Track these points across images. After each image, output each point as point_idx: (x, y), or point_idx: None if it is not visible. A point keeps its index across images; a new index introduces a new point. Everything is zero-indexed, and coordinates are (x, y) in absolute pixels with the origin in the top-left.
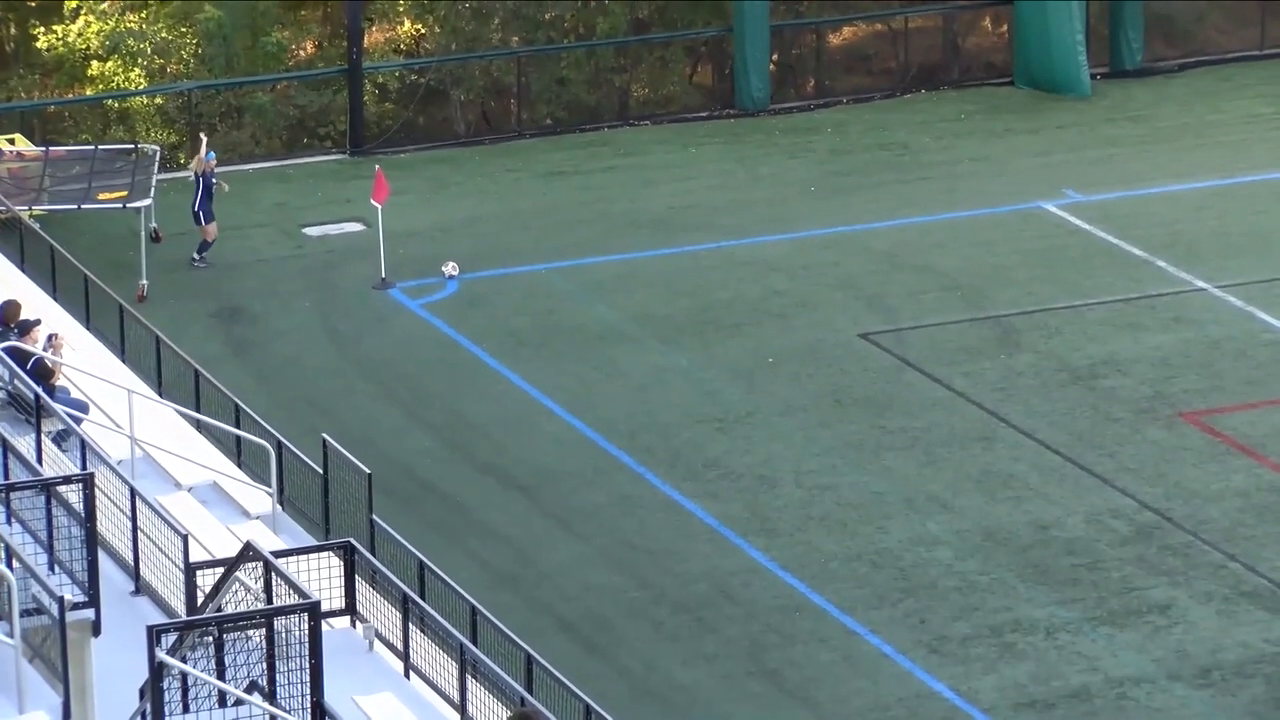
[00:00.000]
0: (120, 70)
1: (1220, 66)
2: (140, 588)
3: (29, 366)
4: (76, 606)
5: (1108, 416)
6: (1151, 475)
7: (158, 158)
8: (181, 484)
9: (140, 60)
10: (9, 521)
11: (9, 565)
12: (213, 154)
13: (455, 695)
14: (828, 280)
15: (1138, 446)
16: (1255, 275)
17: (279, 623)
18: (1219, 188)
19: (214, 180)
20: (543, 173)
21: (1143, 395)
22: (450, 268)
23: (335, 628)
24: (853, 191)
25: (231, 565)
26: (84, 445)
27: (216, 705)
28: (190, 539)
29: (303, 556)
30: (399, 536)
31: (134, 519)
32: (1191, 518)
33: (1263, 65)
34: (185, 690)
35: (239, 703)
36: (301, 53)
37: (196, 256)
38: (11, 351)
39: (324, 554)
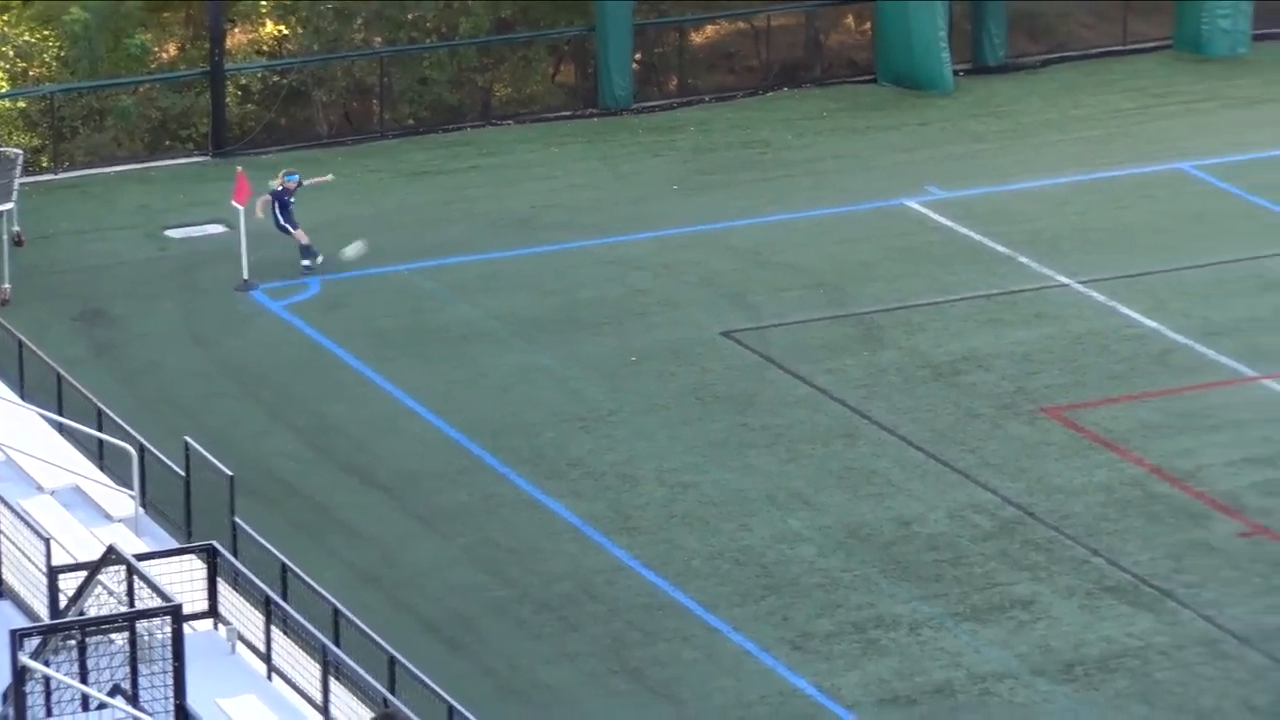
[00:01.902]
0: None
1: (1083, 61)
2: (2, 592)
3: None
4: None
5: (970, 412)
6: (1014, 471)
7: (20, 161)
8: (44, 487)
9: (2, 63)
10: None
11: None
12: (296, 175)
13: (318, 697)
14: (690, 278)
15: (1000, 442)
16: (1117, 270)
17: (141, 626)
18: (1081, 183)
19: (291, 200)
20: (406, 173)
21: (1005, 391)
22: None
23: (198, 630)
24: (716, 189)
25: (94, 569)
26: None
27: (80, 709)
28: (53, 542)
29: (165, 559)
30: (261, 539)
31: None
32: (1054, 513)
33: (1126, 60)
34: (48, 694)
35: (102, 706)
36: (165, 55)
37: (307, 261)
38: None
39: (186, 557)
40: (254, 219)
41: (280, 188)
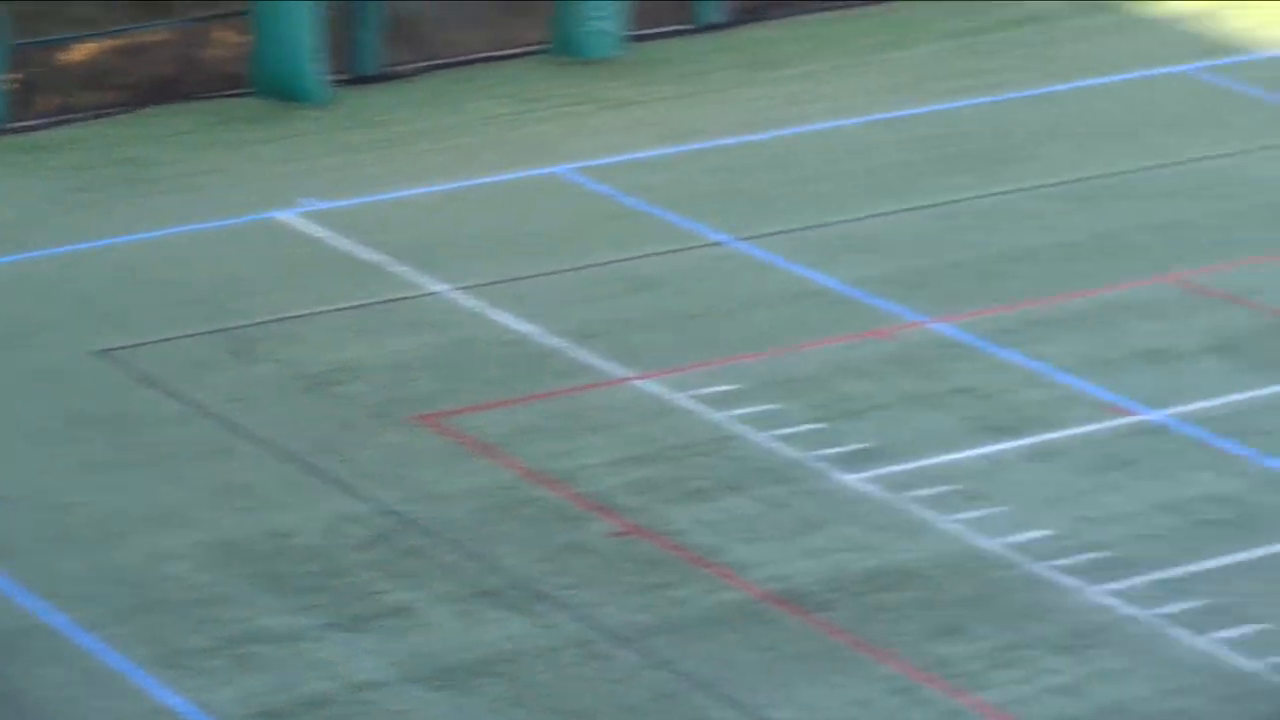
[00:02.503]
0: None
1: (461, 68)
2: None
3: None
4: None
5: (345, 423)
6: (391, 479)
7: None
8: None
9: None
10: None
11: None
12: None
13: None
14: (65, 299)
15: (376, 451)
16: (492, 276)
17: None
18: (456, 190)
19: None
20: None
21: (381, 400)
22: None
23: None
24: (91, 208)
25: None
26: None
27: None
28: None
29: None
30: None
31: None
32: (432, 519)
33: (501, 66)
34: None
35: None
36: None
37: None
38: None
39: None
40: None
41: None
